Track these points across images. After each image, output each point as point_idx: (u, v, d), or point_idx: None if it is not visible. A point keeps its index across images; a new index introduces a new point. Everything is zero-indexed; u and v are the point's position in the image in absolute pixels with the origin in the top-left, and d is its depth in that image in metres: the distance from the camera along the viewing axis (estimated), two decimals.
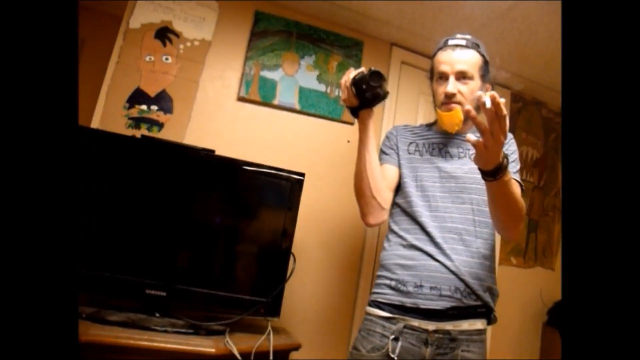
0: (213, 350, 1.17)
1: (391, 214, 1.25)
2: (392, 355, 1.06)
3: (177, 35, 1.71)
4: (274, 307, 1.39)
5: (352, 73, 1.13)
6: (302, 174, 1.47)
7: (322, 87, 1.87)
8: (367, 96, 1.13)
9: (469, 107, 0.85)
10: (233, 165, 1.47)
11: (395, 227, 1.20)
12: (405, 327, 1.09)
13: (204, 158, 1.46)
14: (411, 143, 1.27)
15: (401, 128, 1.33)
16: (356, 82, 1.13)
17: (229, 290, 1.39)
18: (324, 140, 1.86)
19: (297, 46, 1.86)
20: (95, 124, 1.56)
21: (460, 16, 1.70)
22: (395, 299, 1.12)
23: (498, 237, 2.10)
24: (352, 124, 1.87)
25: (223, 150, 1.54)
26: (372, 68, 1.12)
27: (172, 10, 1.71)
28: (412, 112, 2.04)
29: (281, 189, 1.46)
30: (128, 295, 1.33)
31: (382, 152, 1.30)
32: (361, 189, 1.17)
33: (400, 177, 1.23)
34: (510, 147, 1.21)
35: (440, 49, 1.21)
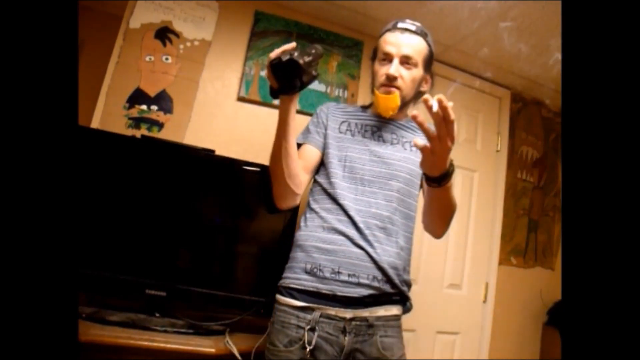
0: (213, 350, 1.17)
1: (311, 192, 1.19)
2: (309, 347, 1.00)
3: (177, 35, 1.71)
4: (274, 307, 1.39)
5: (275, 53, 0.99)
6: None
7: (322, 87, 1.87)
8: (287, 83, 0.99)
9: (415, 112, 0.80)
10: (233, 165, 1.47)
11: (315, 206, 1.13)
12: (321, 315, 1.03)
13: (204, 158, 1.47)
14: (343, 122, 1.20)
15: (333, 106, 1.25)
16: (275, 67, 0.97)
17: (228, 290, 1.39)
18: None
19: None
20: (95, 124, 1.56)
21: (460, 16, 1.70)
22: (310, 284, 1.05)
23: (497, 237, 2.11)
24: None
25: (223, 150, 1.54)
26: (295, 54, 0.95)
27: (172, 10, 1.71)
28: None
29: None
30: (128, 295, 1.33)
31: (307, 130, 1.22)
32: (275, 172, 1.10)
33: (326, 156, 1.16)
34: None
35: (388, 30, 1.16)
